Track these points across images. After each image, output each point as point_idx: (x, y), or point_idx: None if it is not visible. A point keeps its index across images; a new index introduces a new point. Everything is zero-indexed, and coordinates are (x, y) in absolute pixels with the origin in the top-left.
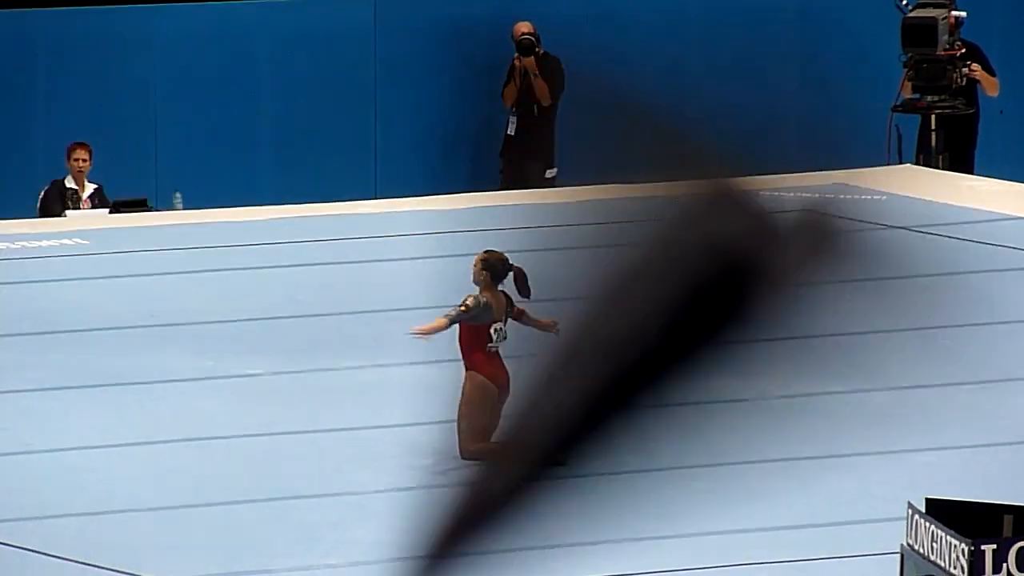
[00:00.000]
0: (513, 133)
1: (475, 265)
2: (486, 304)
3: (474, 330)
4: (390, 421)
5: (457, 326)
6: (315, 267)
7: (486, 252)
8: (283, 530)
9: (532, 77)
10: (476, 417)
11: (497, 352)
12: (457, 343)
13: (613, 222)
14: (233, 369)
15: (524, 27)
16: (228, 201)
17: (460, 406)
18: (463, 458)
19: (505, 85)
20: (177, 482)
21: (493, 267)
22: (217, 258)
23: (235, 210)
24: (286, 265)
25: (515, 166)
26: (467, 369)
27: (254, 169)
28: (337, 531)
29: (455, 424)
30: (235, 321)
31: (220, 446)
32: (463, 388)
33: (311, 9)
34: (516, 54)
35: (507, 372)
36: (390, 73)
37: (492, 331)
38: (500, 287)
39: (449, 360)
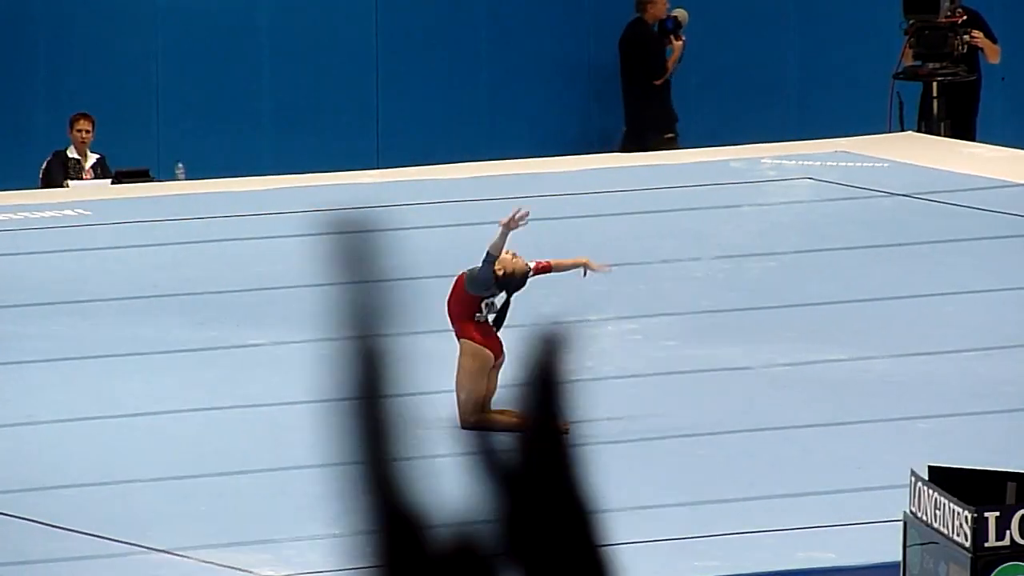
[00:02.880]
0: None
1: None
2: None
3: (465, 300)
4: (394, 390)
5: (449, 296)
6: (316, 237)
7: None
8: (287, 501)
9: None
10: (474, 386)
11: (486, 321)
12: (446, 313)
13: None
14: (235, 339)
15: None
16: (230, 171)
17: (457, 376)
18: (463, 428)
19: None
20: (180, 453)
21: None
22: (219, 228)
23: (237, 180)
24: (288, 235)
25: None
26: (459, 338)
27: (256, 139)
28: (341, 500)
29: (455, 395)
30: (237, 291)
31: (223, 416)
32: (458, 359)
33: None
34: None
35: (499, 339)
36: (391, 41)
37: (483, 304)
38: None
39: (450, 330)
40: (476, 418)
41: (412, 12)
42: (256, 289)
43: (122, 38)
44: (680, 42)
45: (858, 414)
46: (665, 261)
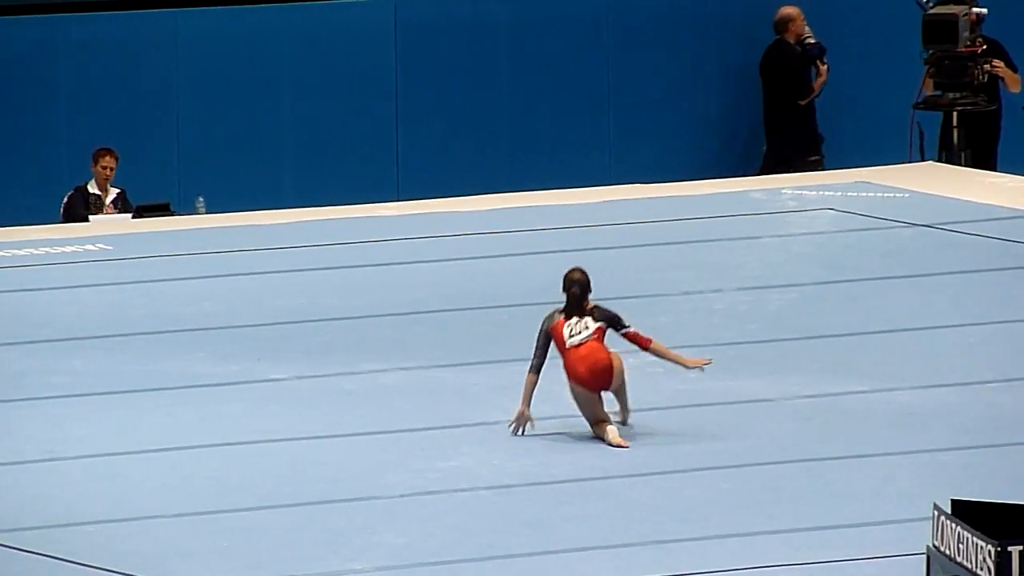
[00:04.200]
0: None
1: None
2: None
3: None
4: (415, 424)
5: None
6: (338, 270)
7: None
8: (309, 535)
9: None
10: (586, 412)
11: (577, 346)
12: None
13: None
14: (257, 373)
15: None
16: (251, 205)
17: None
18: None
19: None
20: (203, 488)
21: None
22: (240, 262)
23: (257, 213)
24: (309, 268)
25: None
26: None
27: (276, 172)
28: (363, 535)
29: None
30: (259, 325)
31: (245, 451)
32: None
33: (332, 12)
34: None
35: (586, 365)
36: (411, 75)
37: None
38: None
39: (472, 363)
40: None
41: (432, 45)
42: (277, 323)
43: (143, 72)
44: (825, 66)
45: (880, 446)
46: (686, 293)
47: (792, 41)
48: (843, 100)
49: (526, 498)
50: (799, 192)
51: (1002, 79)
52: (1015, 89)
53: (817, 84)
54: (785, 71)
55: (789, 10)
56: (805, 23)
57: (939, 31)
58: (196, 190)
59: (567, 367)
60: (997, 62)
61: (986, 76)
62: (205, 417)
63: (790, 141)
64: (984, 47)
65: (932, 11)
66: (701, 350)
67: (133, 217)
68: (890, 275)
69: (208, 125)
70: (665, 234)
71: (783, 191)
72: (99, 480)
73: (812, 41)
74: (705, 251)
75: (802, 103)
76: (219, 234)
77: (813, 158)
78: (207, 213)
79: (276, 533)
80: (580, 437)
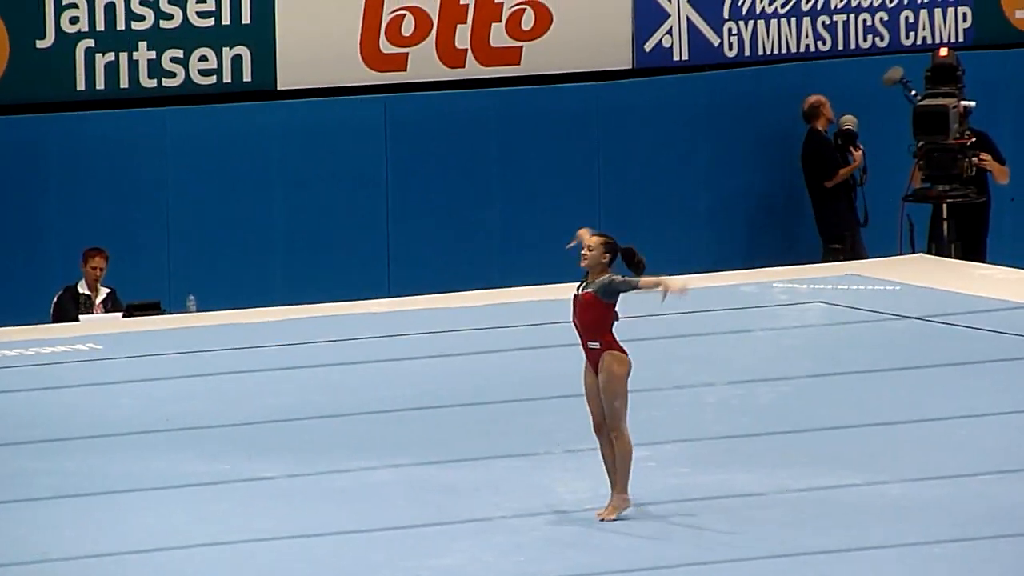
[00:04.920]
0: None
1: (594, 248)
2: None
3: (603, 311)
4: (406, 522)
5: (579, 314)
6: (328, 367)
7: (602, 235)
8: None
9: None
10: (626, 391)
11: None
12: (577, 329)
13: None
14: (247, 472)
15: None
16: (242, 303)
17: (611, 385)
18: (618, 433)
19: (837, 167)
20: None
21: (613, 248)
22: (230, 360)
23: (248, 311)
24: (299, 366)
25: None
26: (605, 350)
27: (267, 269)
28: None
29: (608, 404)
30: (249, 424)
31: (236, 550)
32: (609, 368)
33: (322, 108)
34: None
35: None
36: (402, 170)
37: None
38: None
39: (463, 460)
40: (624, 425)
41: (422, 140)
42: (268, 421)
43: (133, 171)
44: (860, 151)
45: (873, 539)
46: (678, 387)
47: (823, 128)
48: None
49: None
50: (790, 286)
51: (990, 171)
52: (1003, 181)
53: (850, 168)
54: (816, 158)
55: (816, 98)
56: (831, 109)
57: (929, 123)
58: (187, 288)
59: None
60: (985, 155)
61: (974, 169)
62: (195, 517)
63: (823, 225)
64: (973, 139)
65: (922, 103)
66: (693, 444)
67: (123, 316)
68: (881, 368)
69: (198, 223)
70: (656, 328)
71: (774, 284)
72: None
73: (848, 128)
74: (696, 345)
75: (828, 185)
76: (209, 332)
77: (835, 246)
78: (198, 311)
79: None
80: (573, 533)
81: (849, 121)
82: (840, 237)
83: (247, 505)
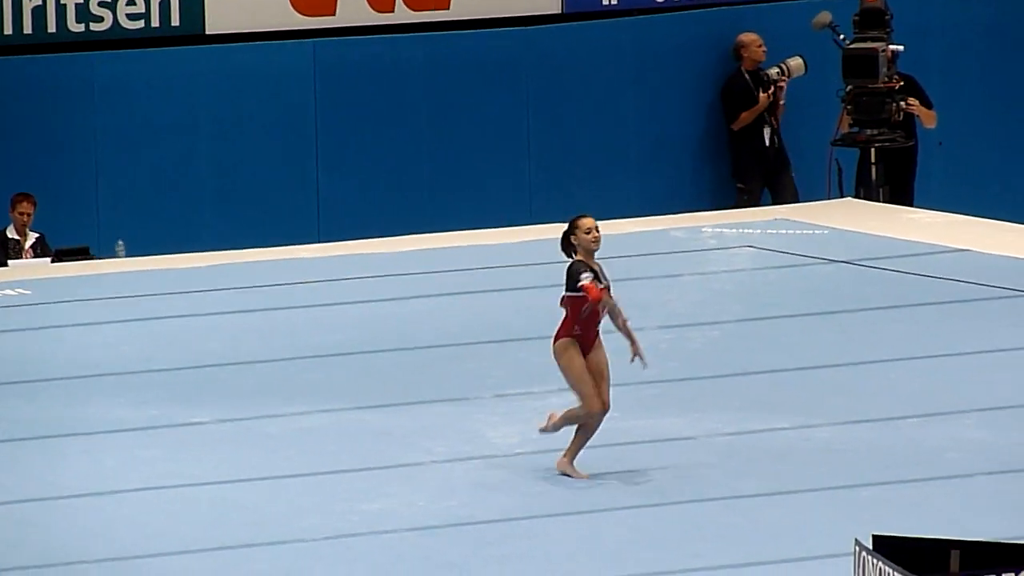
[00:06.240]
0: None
1: (596, 231)
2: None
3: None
4: (337, 467)
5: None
6: (258, 312)
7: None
8: None
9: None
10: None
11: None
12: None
13: None
14: (178, 417)
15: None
16: (171, 248)
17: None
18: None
19: (744, 107)
20: (123, 533)
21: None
22: (160, 306)
23: (177, 257)
24: (229, 311)
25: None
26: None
27: (196, 215)
28: None
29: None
30: (179, 369)
31: (166, 495)
32: (601, 346)
33: (250, 53)
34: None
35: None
36: (331, 116)
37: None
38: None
39: (395, 405)
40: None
41: (351, 85)
42: (198, 367)
43: (60, 117)
44: (765, 95)
45: (802, 483)
46: (607, 332)
47: (749, 68)
48: None
49: (450, 540)
50: (718, 230)
51: (918, 116)
52: (930, 125)
53: (748, 113)
54: (726, 99)
55: (739, 38)
56: (763, 49)
57: (859, 66)
58: (116, 234)
59: None
60: (913, 100)
61: (902, 113)
62: (125, 462)
63: (732, 167)
64: (901, 83)
65: (851, 46)
66: (623, 389)
67: (52, 261)
68: (810, 312)
69: (127, 168)
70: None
71: (703, 229)
72: (20, 527)
73: (758, 70)
74: (626, 289)
75: (734, 128)
76: (138, 278)
77: (739, 186)
78: (127, 257)
79: None
80: (502, 477)
81: (795, 66)
82: (744, 179)
83: (178, 451)
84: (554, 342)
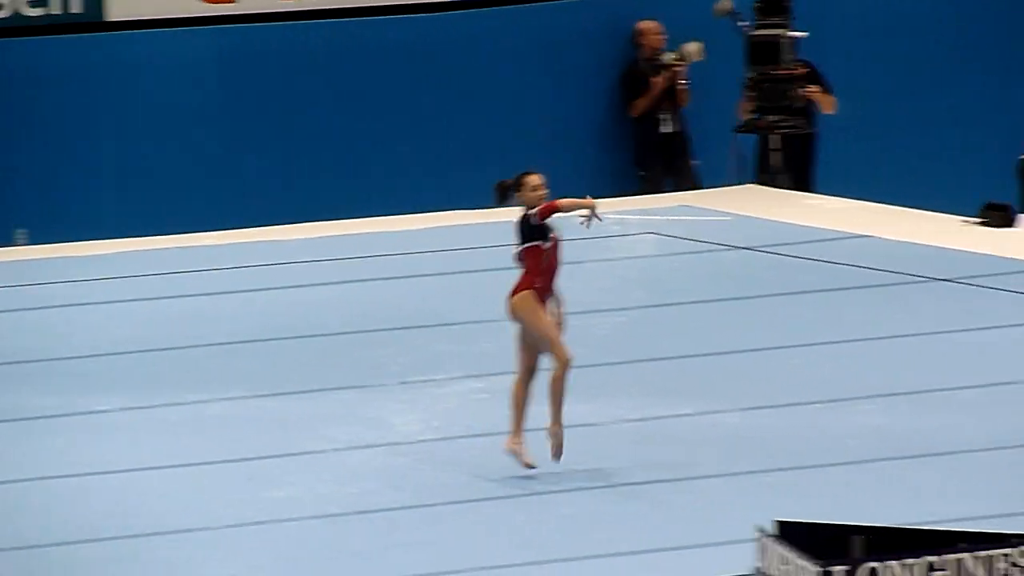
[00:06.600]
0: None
1: (543, 188)
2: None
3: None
4: (240, 455)
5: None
6: (159, 300)
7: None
8: (135, 568)
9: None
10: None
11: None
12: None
13: None
14: (81, 406)
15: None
16: (73, 236)
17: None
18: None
19: (641, 93)
20: (25, 522)
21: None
22: (60, 294)
23: (79, 245)
24: (131, 299)
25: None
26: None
27: (98, 204)
28: (189, 567)
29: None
30: (80, 357)
31: (68, 484)
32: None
33: (151, 41)
34: (666, 63)
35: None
36: (232, 104)
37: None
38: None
39: (296, 392)
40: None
41: (253, 72)
42: (100, 355)
43: None
44: (660, 79)
45: (707, 469)
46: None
47: (649, 55)
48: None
49: (354, 527)
50: (621, 216)
51: (817, 102)
52: (830, 111)
53: (641, 100)
54: (622, 86)
55: (637, 26)
56: (662, 37)
57: (763, 53)
58: (16, 222)
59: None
60: (813, 87)
61: (803, 99)
62: (27, 451)
63: (638, 154)
64: (804, 70)
65: (756, 32)
66: None
67: None
68: (714, 298)
69: (28, 156)
70: (489, 260)
71: (606, 215)
72: None
73: (656, 58)
74: None
75: (634, 115)
76: (40, 266)
77: (640, 173)
78: (28, 245)
79: (100, 566)
80: (406, 465)
81: (692, 51)
82: (645, 166)
83: (80, 439)
84: (511, 296)
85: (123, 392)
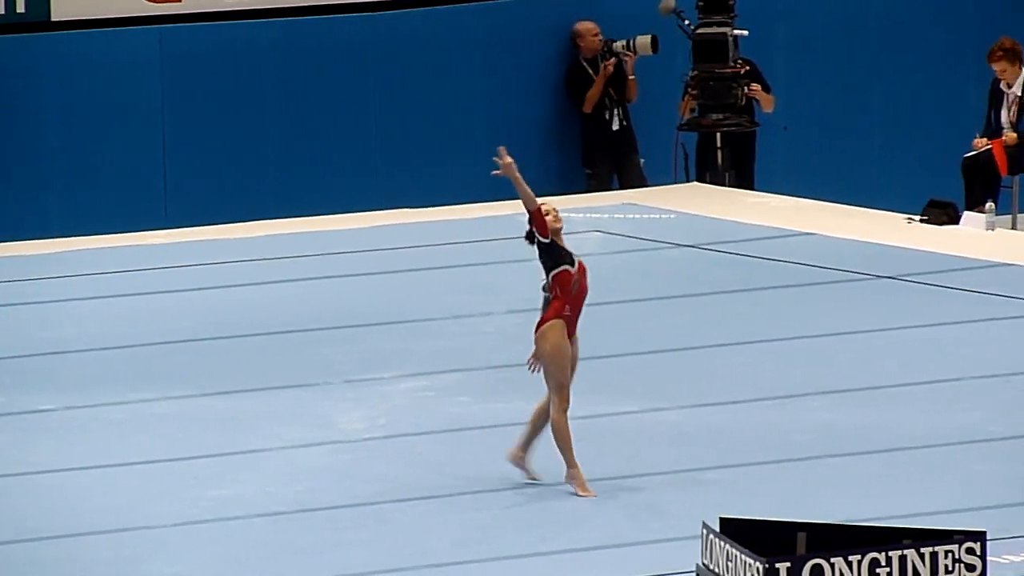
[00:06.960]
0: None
1: (553, 211)
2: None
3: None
4: (185, 453)
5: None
6: (105, 299)
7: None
8: (77, 568)
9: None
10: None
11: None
12: (552, 293)
13: None
14: (23, 404)
15: (591, 26)
16: (17, 235)
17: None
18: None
19: (588, 88)
20: None
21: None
22: (5, 291)
23: (23, 243)
24: (77, 298)
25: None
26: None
27: (42, 202)
28: (132, 566)
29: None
30: (24, 356)
31: (9, 483)
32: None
33: (96, 40)
34: (609, 57)
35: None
36: (177, 103)
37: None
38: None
39: (242, 391)
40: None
41: (198, 71)
42: (44, 353)
43: None
44: (605, 65)
45: (650, 466)
46: (457, 317)
47: (588, 56)
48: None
49: (299, 525)
50: (566, 214)
51: (757, 100)
52: (768, 109)
53: (588, 96)
54: (567, 86)
55: (575, 27)
56: (599, 37)
57: (709, 51)
58: None
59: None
60: (755, 85)
61: (745, 98)
62: None
63: (586, 152)
64: (746, 68)
65: (700, 31)
66: (472, 373)
67: None
68: (658, 296)
69: None
70: (435, 258)
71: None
72: None
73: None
74: (475, 274)
75: (587, 111)
76: None
77: (587, 171)
78: None
79: (41, 566)
80: (352, 462)
81: (641, 43)
82: (592, 164)
83: (22, 437)
84: (540, 324)
85: (67, 391)
